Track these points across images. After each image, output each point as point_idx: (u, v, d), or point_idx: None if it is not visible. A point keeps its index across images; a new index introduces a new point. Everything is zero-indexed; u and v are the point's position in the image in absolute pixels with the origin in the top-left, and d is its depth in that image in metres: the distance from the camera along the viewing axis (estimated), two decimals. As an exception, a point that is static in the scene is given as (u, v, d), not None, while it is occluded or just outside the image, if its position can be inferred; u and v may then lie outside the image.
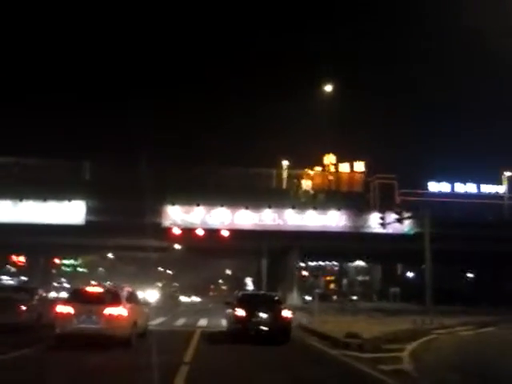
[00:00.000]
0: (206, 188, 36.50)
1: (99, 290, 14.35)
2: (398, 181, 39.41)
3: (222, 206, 37.03)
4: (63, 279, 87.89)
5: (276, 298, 17.96)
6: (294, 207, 37.54)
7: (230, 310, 16.91)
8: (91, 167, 37.70)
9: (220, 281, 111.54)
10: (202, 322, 22.53)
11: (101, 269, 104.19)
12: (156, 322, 21.60)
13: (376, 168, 40.20)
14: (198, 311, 31.59)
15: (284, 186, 38.62)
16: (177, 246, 43.09)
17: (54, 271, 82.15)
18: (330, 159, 40.33)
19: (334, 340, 14.78)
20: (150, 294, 53.67)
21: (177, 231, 35.66)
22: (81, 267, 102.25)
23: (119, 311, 12.92)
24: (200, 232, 35.81)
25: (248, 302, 16.20)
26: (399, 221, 32.21)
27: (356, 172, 39.53)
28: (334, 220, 37.89)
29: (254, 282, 76.86)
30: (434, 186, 42.44)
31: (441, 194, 41.81)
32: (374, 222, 37.65)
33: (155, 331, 16.78)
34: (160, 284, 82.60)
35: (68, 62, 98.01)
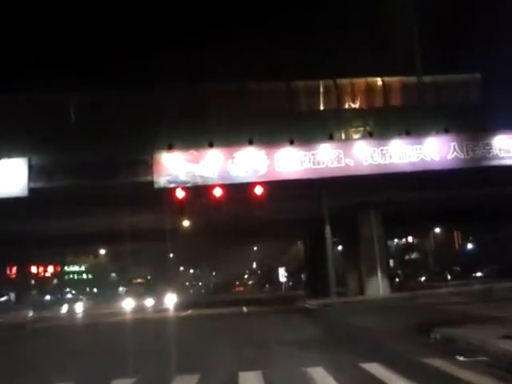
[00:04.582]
0: (224, 117, 21.81)
1: None
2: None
3: (250, 143, 22.25)
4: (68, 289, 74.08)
5: None
6: (371, 134, 22.60)
7: None
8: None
9: (246, 276, 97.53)
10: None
11: (113, 274, 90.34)
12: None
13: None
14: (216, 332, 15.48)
15: (344, 104, 23.69)
16: (186, 223, 28.34)
17: (54, 281, 69.69)
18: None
19: None
20: (170, 299, 39.05)
21: (180, 194, 21.34)
22: (86, 273, 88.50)
23: None
24: (218, 192, 21.44)
25: None
26: None
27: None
28: (435, 151, 22.79)
29: (292, 272, 62.16)
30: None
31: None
32: (502, 149, 22.83)
33: None
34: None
35: None
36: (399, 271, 53.66)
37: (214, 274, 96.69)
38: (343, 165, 22.39)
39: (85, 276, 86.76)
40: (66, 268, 77.80)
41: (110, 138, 22.35)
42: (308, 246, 36.52)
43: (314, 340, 11.10)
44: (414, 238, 65.34)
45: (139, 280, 60.19)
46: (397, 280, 45.61)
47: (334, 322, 15.58)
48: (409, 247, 69.70)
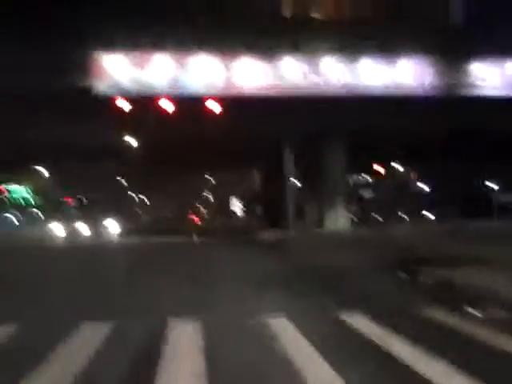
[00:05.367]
0: (173, 15, 18.58)
1: None
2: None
3: (203, 48, 19.19)
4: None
5: None
6: (339, 50, 19.93)
7: None
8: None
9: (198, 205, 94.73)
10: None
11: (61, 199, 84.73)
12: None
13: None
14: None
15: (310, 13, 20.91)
16: (131, 141, 25.25)
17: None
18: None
19: None
20: (111, 225, 35.44)
21: (124, 105, 18.67)
22: (30, 197, 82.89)
23: None
24: (167, 105, 18.94)
25: None
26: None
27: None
28: (409, 73, 20.51)
29: (247, 203, 60.16)
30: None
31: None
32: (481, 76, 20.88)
33: None
34: None
35: None
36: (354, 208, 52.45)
37: (165, 202, 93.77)
38: (309, 83, 19.89)
39: (28, 199, 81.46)
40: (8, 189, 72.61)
41: (41, 35, 18.78)
42: (265, 175, 34.09)
43: (273, 279, 8.98)
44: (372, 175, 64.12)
45: (68, 199, 48.29)
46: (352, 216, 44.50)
47: (295, 257, 13.57)
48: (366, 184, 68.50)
